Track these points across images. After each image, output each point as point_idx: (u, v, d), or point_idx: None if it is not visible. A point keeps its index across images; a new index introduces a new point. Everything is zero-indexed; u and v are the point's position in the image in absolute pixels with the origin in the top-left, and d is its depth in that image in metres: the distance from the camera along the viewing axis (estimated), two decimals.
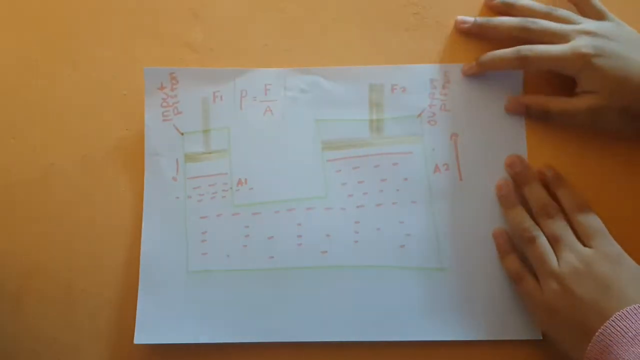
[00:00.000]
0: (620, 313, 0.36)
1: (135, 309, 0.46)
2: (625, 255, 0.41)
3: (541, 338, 0.44)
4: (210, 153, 0.48)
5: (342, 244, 0.46)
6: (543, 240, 0.43)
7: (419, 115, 0.48)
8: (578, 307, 0.39)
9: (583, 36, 0.44)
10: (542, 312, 0.42)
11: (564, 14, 0.46)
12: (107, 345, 0.47)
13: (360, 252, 0.46)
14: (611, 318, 0.36)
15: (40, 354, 0.47)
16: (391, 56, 0.49)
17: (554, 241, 0.43)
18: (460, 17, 0.49)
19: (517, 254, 0.45)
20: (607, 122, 0.44)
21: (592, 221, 0.43)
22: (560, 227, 0.43)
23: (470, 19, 0.48)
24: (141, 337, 0.46)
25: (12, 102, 0.50)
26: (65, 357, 0.47)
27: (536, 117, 0.46)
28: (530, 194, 0.45)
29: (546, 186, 0.46)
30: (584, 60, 0.43)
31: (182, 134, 0.48)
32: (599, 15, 0.46)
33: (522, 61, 0.45)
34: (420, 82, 0.48)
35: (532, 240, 0.43)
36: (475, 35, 0.49)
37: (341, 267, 0.46)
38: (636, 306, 0.36)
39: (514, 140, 0.47)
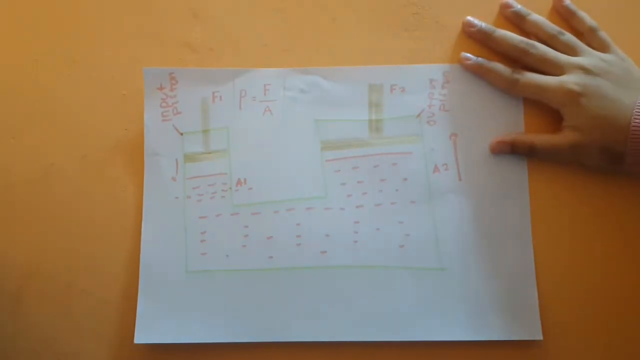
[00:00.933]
0: None
1: (135, 308, 0.46)
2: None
3: (541, 339, 0.44)
4: (209, 153, 0.48)
5: (342, 244, 0.46)
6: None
7: (419, 115, 0.48)
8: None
9: (576, 71, 0.44)
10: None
11: (569, 40, 0.46)
12: (107, 345, 0.47)
13: (360, 252, 0.46)
14: None
15: (40, 354, 0.47)
16: (391, 56, 0.49)
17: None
18: (469, 19, 0.48)
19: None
20: (588, 159, 0.44)
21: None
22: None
23: (478, 23, 0.48)
24: (141, 336, 0.46)
25: (12, 102, 0.50)
26: (65, 357, 0.47)
27: (522, 154, 0.46)
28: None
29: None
30: (570, 97, 0.43)
31: (182, 134, 0.48)
32: (603, 47, 0.46)
33: (512, 84, 0.46)
34: (420, 82, 0.48)
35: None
36: (477, 40, 0.49)
37: (341, 267, 0.46)
38: None
39: None
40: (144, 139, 0.48)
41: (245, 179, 0.47)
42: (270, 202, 0.47)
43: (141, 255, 0.47)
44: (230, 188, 0.47)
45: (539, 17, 0.48)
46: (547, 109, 0.46)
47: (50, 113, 0.50)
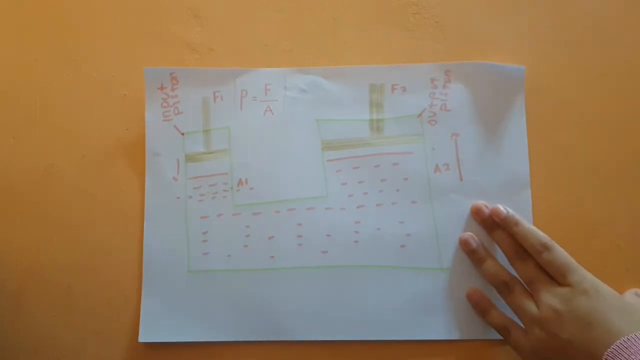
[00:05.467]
0: (611, 350, 0.36)
1: (136, 308, 0.46)
2: (601, 284, 0.40)
3: None
4: (210, 153, 0.48)
5: (343, 244, 0.46)
6: (520, 288, 0.43)
7: (419, 115, 0.48)
8: (567, 350, 0.38)
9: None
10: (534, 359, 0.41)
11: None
12: (106, 345, 0.47)
13: (361, 252, 0.46)
14: (603, 357, 0.36)
15: (40, 353, 0.47)
16: (391, 56, 0.49)
17: (530, 284, 0.42)
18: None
19: (497, 309, 0.45)
20: None
21: (560, 257, 0.41)
22: (533, 269, 0.42)
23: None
24: (145, 335, 0.46)
25: (12, 102, 0.50)
26: (66, 357, 0.47)
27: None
28: (500, 239, 0.45)
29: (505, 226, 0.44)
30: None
31: (183, 134, 0.48)
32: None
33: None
34: (421, 81, 0.48)
35: (510, 290, 0.43)
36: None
37: (341, 267, 0.46)
38: (624, 339, 0.35)
39: (514, 139, 0.47)
40: (145, 138, 0.48)
41: (246, 179, 0.47)
42: (272, 202, 0.47)
43: (144, 255, 0.47)
44: (232, 188, 0.47)
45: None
46: (549, 109, 0.46)
47: (50, 113, 0.50)
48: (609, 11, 0.48)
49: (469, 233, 0.46)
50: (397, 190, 0.47)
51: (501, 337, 0.44)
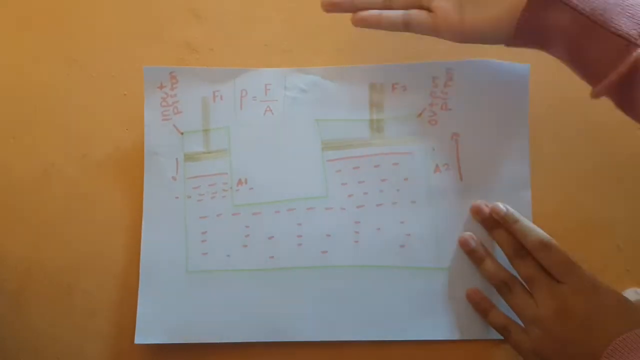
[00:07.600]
0: (610, 348, 0.36)
1: (135, 308, 0.46)
2: (600, 283, 0.39)
3: None
4: (210, 153, 0.48)
5: (342, 244, 0.46)
6: (519, 287, 0.43)
7: (420, 114, 0.48)
8: (567, 349, 0.38)
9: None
10: (534, 359, 0.41)
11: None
12: (107, 345, 0.47)
13: (361, 252, 0.46)
14: (603, 355, 0.36)
15: (40, 353, 0.48)
16: (391, 55, 0.49)
17: (529, 282, 0.42)
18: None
19: (497, 308, 0.45)
20: None
21: (560, 256, 0.41)
22: (533, 267, 0.42)
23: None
24: (141, 337, 0.46)
25: (12, 102, 0.50)
26: (65, 357, 0.47)
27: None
28: (499, 238, 0.45)
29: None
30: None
31: (182, 133, 0.48)
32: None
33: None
34: (422, 80, 0.48)
35: (510, 289, 0.43)
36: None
37: (341, 267, 0.46)
38: (623, 337, 0.35)
39: (515, 139, 0.47)
40: (144, 138, 0.48)
41: (246, 179, 0.47)
42: (271, 202, 0.47)
43: (141, 255, 0.47)
44: (231, 188, 0.47)
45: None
46: (549, 109, 0.46)
47: (50, 113, 0.50)
48: None
49: (469, 233, 0.46)
50: (397, 190, 0.47)
51: (502, 337, 0.44)
